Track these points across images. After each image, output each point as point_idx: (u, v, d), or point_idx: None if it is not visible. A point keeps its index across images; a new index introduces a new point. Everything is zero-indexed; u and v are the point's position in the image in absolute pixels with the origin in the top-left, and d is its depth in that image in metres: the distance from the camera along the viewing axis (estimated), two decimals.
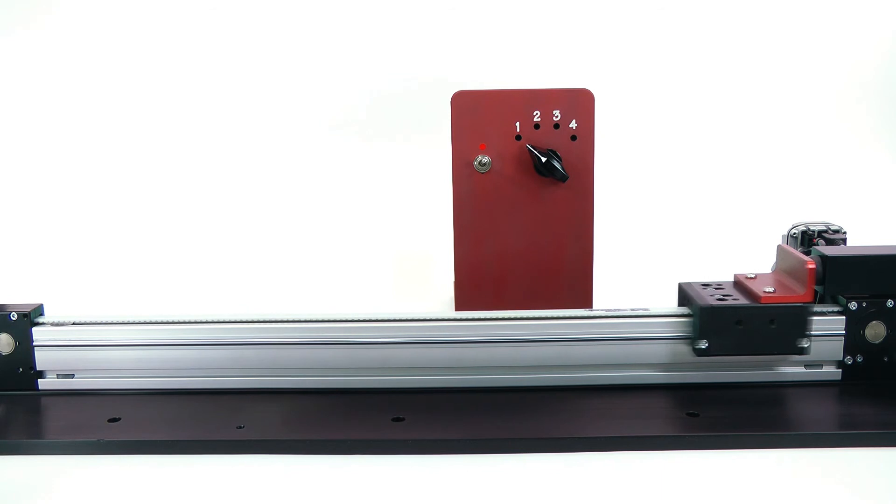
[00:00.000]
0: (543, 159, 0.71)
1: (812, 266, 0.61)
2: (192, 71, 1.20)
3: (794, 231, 0.72)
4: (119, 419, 0.61)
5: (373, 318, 0.65)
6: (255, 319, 0.66)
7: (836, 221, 0.72)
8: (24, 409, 0.64)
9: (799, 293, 0.62)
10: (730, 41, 1.20)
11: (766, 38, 1.20)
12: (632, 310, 0.65)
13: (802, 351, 0.61)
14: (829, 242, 0.69)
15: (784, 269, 0.67)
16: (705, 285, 0.66)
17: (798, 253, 0.65)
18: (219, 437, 0.58)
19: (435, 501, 0.51)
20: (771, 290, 0.62)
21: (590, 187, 0.74)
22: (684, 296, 0.66)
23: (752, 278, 0.65)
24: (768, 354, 0.63)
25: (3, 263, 1.05)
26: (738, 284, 0.66)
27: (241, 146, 1.19)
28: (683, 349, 0.64)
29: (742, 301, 0.62)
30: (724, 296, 0.63)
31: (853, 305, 0.64)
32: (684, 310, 0.65)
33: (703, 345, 0.62)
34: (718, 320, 0.61)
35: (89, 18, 1.20)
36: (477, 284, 0.75)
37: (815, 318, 0.62)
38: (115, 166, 1.18)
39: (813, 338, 0.62)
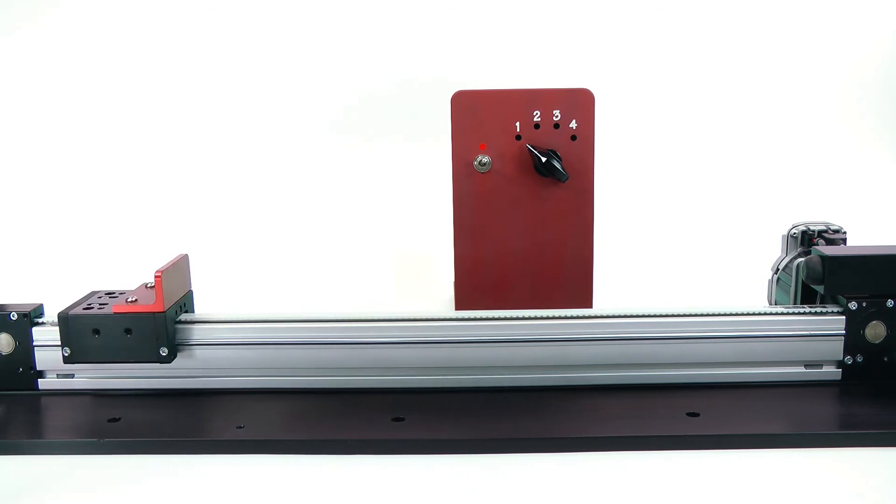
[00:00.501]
0: (543, 159, 0.71)
1: (159, 275, 0.62)
2: (192, 71, 1.20)
3: (794, 231, 0.72)
4: (119, 419, 0.61)
5: (373, 318, 0.65)
6: (255, 319, 0.66)
7: (836, 221, 0.72)
8: (24, 409, 0.64)
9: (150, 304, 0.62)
10: (730, 41, 1.20)
11: (766, 38, 1.20)
12: (632, 310, 0.65)
13: (162, 359, 0.62)
14: (829, 242, 0.69)
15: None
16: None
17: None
18: (219, 437, 0.58)
19: (435, 501, 0.51)
20: (134, 299, 0.63)
21: (590, 187, 0.74)
22: None
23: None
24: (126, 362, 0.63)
25: (3, 263, 1.05)
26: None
27: (242, 146, 1.19)
28: (684, 349, 0.63)
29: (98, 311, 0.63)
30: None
31: (853, 305, 0.64)
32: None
33: (67, 352, 0.62)
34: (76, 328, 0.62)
35: (89, 19, 1.20)
36: (477, 284, 0.75)
37: (815, 318, 0.62)
38: (115, 166, 1.18)
39: (813, 338, 0.62)
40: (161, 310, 0.62)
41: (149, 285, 0.66)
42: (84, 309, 0.63)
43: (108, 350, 0.62)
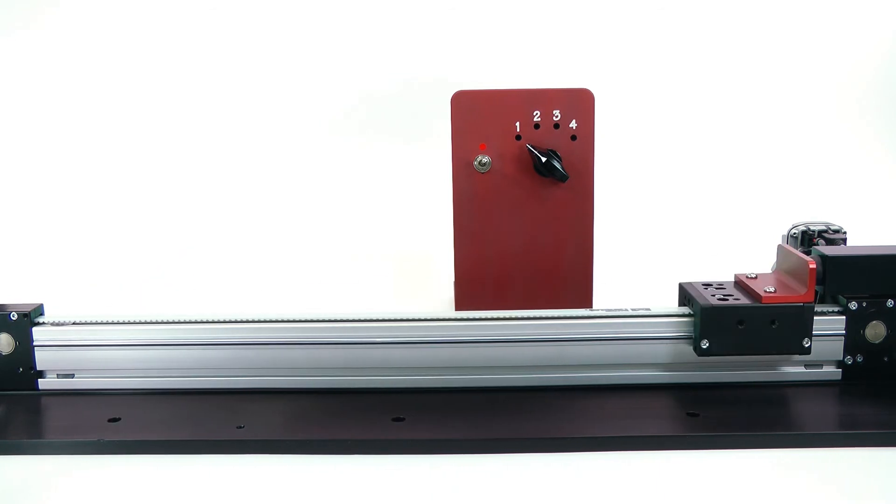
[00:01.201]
0: (543, 159, 0.71)
1: (813, 266, 0.61)
2: (192, 71, 1.20)
3: (794, 231, 0.72)
4: (119, 419, 0.61)
5: (373, 318, 0.65)
6: (255, 319, 0.66)
7: (836, 221, 0.72)
8: (24, 409, 0.64)
9: (800, 293, 0.62)
10: (730, 41, 1.20)
11: (766, 38, 1.20)
12: (632, 310, 0.65)
13: (804, 350, 0.61)
14: (829, 242, 0.69)
15: (785, 268, 0.67)
16: (706, 285, 0.66)
17: (799, 253, 0.65)
18: (219, 437, 0.58)
19: (435, 501, 0.51)
20: (772, 289, 0.62)
21: (590, 187, 0.74)
22: (685, 295, 0.66)
23: (752, 278, 0.65)
24: (769, 354, 0.63)
25: (3, 263, 1.05)
26: (740, 284, 0.66)
27: (242, 147, 1.19)
28: (684, 349, 0.64)
29: (743, 301, 0.62)
30: (725, 296, 0.63)
31: (853, 305, 0.64)
32: (685, 310, 0.65)
33: (705, 344, 0.62)
34: (720, 320, 0.61)
35: (90, 19, 1.20)
36: (477, 284, 0.75)
37: (815, 317, 0.62)
38: (115, 166, 1.18)
39: (813, 338, 0.62)
40: (810, 300, 0.61)
41: (750, 276, 0.65)
42: (719, 300, 0.62)
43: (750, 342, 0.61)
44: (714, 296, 0.63)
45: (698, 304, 0.62)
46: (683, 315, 0.64)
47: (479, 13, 1.19)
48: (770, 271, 0.69)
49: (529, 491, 0.52)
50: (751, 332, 0.61)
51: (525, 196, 0.74)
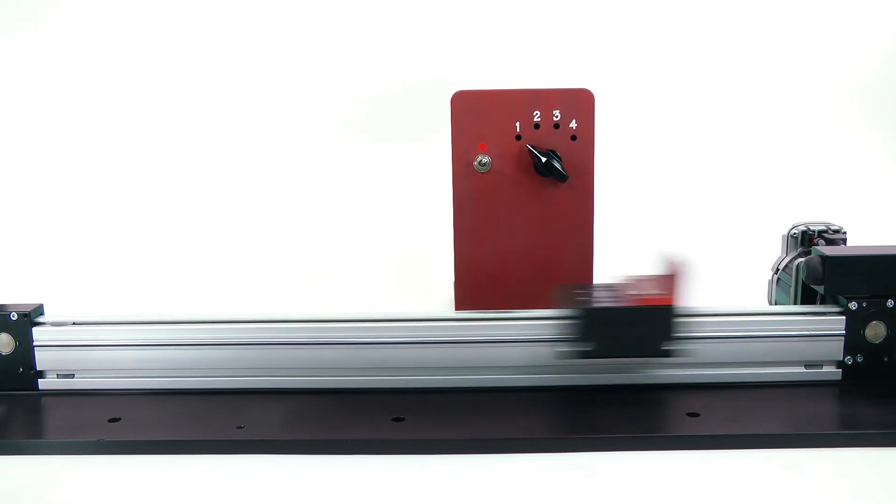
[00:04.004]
0: (543, 159, 0.71)
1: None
2: (192, 71, 1.20)
3: (794, 231, 0.72)
4: (119, 419, 0.61)
5: (373, 318, 0.65)
6: (255, 319, 0.66)
7: (836, 221, 0.72)
8: (24, 409, 0.64)
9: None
10: (730, 41, 1.20)
11: (765, 38, 1.20)
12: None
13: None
14: (829, 242, 0.69)
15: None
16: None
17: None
18: (219, 437, 0.58)
19: (435, 501, 0.51)
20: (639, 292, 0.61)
21: (590, 187, 0.74)
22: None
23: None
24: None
25: (3, 263, 1.05)
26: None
27: (242, 146, 1.19)
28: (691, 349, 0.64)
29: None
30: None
31: (853, 305, 0.64)
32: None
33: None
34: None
35: (90, 19, 1.20)
36: (477, 284, 0.75)
37: (815, 318, 0.62)
38: (115, 166, 1.18)
39: (813, 338, 0.62)
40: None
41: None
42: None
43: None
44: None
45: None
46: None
47: (479, 13, 1.19)
48: (770, 272, 0.69)
49: (529, 491, 0.52)
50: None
51: (525, 196, 0.74)
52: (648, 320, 0.60)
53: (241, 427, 0.59)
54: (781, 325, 0.64)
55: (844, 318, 0.64)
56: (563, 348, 0.61)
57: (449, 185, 0.74)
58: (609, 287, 0.64)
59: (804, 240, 0.71)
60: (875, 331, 0.64)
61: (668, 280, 0.61)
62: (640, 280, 0.64)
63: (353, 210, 1.14)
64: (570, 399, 0.63)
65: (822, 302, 0.66)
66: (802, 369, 0.65)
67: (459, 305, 0.76)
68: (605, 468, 0.54)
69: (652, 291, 0.62)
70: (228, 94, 1.20)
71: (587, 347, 0.60)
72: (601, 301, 0.61)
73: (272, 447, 0.57)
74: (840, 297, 0.65)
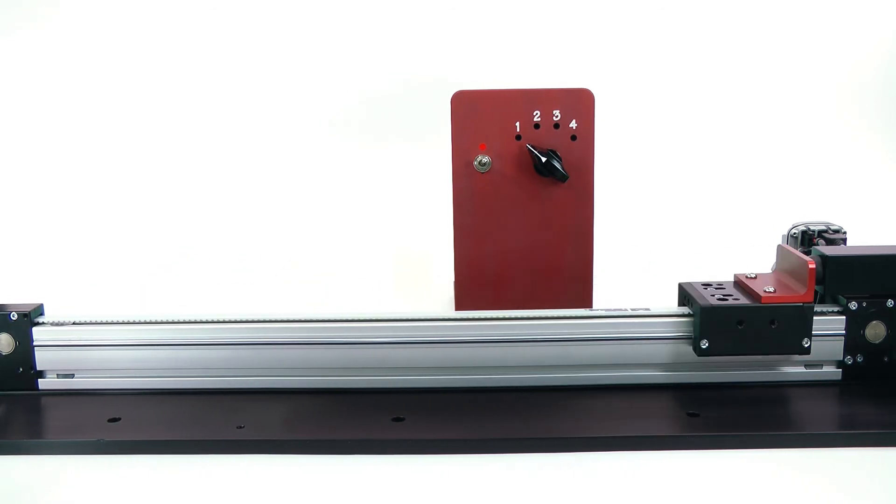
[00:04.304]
0: (543, 159, 0.71)
1: (813, 266, 0.61)
2: (192, 71, 1.20)
3: (794, 231, 0.72)
4: (119, 419, 0.61)
5: (373, 318, 0.65)
6: (255, 319, 0.66)
7: (836, 221, 0.72)
8: (24, 409, 0.64)
9: (800, 293, 0.62)
10: (730, 41, 1.20)
11: (765, 38, 1.20)
12: (632, 310, 0.65)
13: (804, 351, 0.61)
14: (829, 242, 0.69)
15: (784, 268, 0.67)
16: (706, 285, 0.66)
17: (799, 253, 0.65)
18: (219, 437, 0.58)
19: (435, 501, 0.51)
20: (772, 289, 0.62)
21: (590, 187, 0.74)
22: (685, 296, 0.66)
23: (752, 278, 0.65)
24: (769, 354, 0.63)
25: (3, 263, 1.05)
26: (739, 284, 0.66)
27: (242, 146, 1.19)
28: (684, 349, 0.64)
29: (743, 301, 0.62)
30: (724, 296, 0.63)
31: (853, 305, 0.64)
32: (684, 310, 0.65)
33: (705, 344, 0.62)
34: (719, 320, 0.61)
35: (89, 18, 1.20)
36: (477, 284, 0.75)
37: (815, 317, 0.62)
38: (115, 166, 1.18)
39: (813, 338, 0.62)
40: (810, 300, 0.61)
41: (750, 276, 0.65)
42: (718, 300, 0.62)
43: (749, 342, 0.61)
44: (714, 296, 0.63)
45: (698, 304, 0.62)
46: (683, 315, 0.64)
47: (479, 13, 1.19)
48: (770, 271, 0.69)
49: (529, 491, 0.52)
50: (750, 332, 0.61)
51: (525, 196, 0.74)
52: (787, 318, 0.61)
53: (240, 427, 0.59)
54: None
55: (844, 317, 0.64)
56: (698, 345, 0.62)
57: (449, 185, 0.74)
58: (740, 283, 0.65)
59: (804, 240, 0.71)
60: (875, 331, 0.64)
61: (800, 275, 0.62)
62: (772, 276, 0.66)
63: (353, 210, 1.14)
64: (570, 399, 0.63)
65: (822, 302, 0.66)
66: (802, 369, 0.65)
67: (459, 305, 0.76)
68: (605, 468, 0.54)
69: (789, 287, 0.63)
70: (229, 94, 1.20)
71: (725, 344, 0.61)
72: (738, 298, 0.62)
73: (272, 447, 0.57)
74: (840, 296, 0.65)
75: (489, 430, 0.58)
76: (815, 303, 0.62)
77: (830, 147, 1.19)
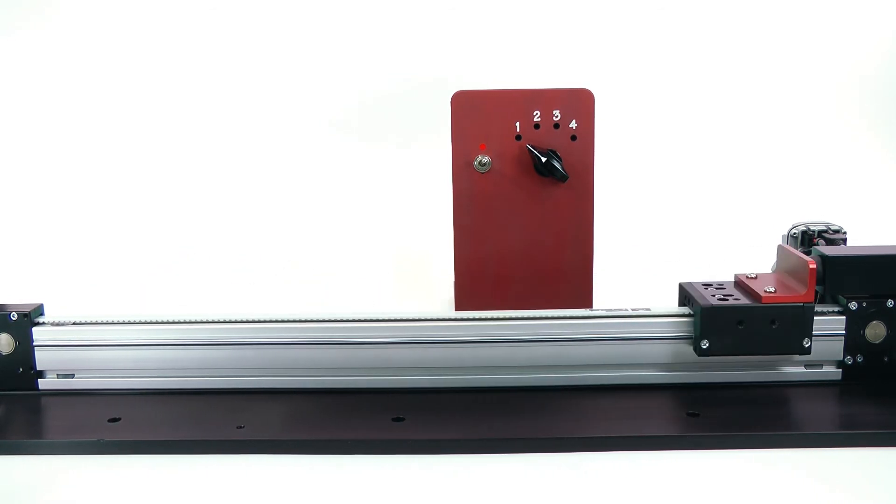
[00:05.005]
0: (543, 159, 0.71)
1: (814, 266, 0.61)
2: (192, 71, 1.20)
3: (794, 231, 0.72)
4: (119, 419, 0.61)
5: (373, 318, 0.65)
6: (255, 319, 0.66)
7: (836, 221, 0.72)
8: (24, 409, 0.64)
9: (800, 293, 0.62)
10: (730, 41, 1.20)
11: (765, 37, 1.20)
12: (632, 310, 0.65)
13: (804, 351, 0.61)
14: (829, 242, 0.69)
15: (785, 269, 0.67)
16: (706, 285, 0.66)
17: (799, 253, 0.65)
18: (219, 437, 0.58)
19: (435, 501, 0.51)
20: (772, 289, 0.62)
21: (590, 187, 0.74)
22: (685, 296, 0.66)
23: (753, 278, 0.65)
24: (770, 354, 0.63)
25: (3, 263, 1.05)
26: (740, 284, 0.66)
27: (242, 146, 1.19)
28: (684, 349, 0.64)
29: (743, 301, 0.62)
30: (725, 296, 0.63)
31: (853, 305, 0.64)
32: (685, 310, 0.65)
33: (705, 344, 0.62)
34: (720, 320, 0.61)
35: (89, 18, 1.20)
36: (477, 284, 0.75)
37: (815, 317, 0.62)
38: (115, 166, 1.18)
39: (813, 338, 0.62)
40: (810, 300, 0.61)
41: (750, 276, 0.65)
42: (719, 300, 0.62)
43: (750, 342, 0.61)
44: (714, 296, 0.63)
45: (698, 304, 0.62)
46: (683, 315, 0.64)
47: (479, 13, 1.19)
48: (770, 271, 0.69)
49: (529, 491, 0.52)
50: (751, 332, 0.61)
51: (525, 196, 0.74)
52: (788, 318, 0.61)
53: (241, 427, 0.59)
54: None
55: (844, 317, 0.64)
56: (699, 345, 0.62)
57: (449, 185, 0.74)
58: (741, 283, 0.65)
59: (804, 240, 0.71)
60: (875, 331, 0.64)
61: (801, 276, 0.62)
62: (772, 276, 0.66)
63: (353, 210, 1.14)
64: (570, 399, 0.63)
65: (822, 302, 0.66)
66: (802, 369, 0.65)
67: (459, 305, 0.76)
68: (605, 468, 0.54)
69: (790, 287, 0.63)
70: (228, 94, 1.20)
71: (726, 344, 0.61)
72: (738, 298, 0.62)
73: (272, 447, 0.57)
74: (840, 296, 0.65)
75: (489, 430, 0.58)
76: (815, 303, 0.62)
77: (830, 147, 1.19)
